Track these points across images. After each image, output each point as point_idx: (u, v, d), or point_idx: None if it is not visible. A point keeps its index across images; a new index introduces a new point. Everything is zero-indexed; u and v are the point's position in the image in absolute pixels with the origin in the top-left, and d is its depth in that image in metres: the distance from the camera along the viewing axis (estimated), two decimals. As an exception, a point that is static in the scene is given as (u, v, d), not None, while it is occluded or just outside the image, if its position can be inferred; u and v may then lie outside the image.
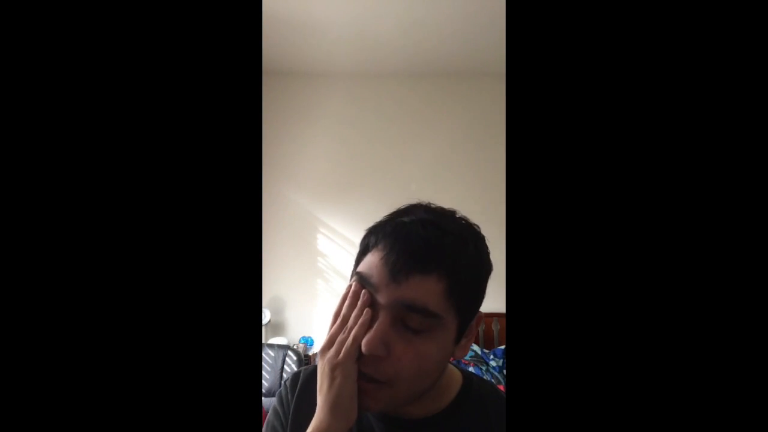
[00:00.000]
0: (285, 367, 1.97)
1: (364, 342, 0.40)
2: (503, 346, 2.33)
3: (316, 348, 2.50)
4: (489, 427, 0.47)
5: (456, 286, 0.41)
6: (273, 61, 2.57)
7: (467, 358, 2.23)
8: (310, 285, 2.69)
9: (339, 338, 0.41)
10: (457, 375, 0.51)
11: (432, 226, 0.42)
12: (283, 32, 2.30)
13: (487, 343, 2.48)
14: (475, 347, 2.28)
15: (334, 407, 0.40)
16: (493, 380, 2.15)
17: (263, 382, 1.94)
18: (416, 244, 0.40)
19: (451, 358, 0.46)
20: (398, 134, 2.75)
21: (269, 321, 2.51)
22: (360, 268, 0.43)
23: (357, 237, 0.46)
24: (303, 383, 0.53)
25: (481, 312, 0.46)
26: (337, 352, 0.41)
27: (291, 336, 2.64)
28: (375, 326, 0.40)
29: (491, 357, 2.25)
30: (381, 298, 0.40)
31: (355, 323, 0.41)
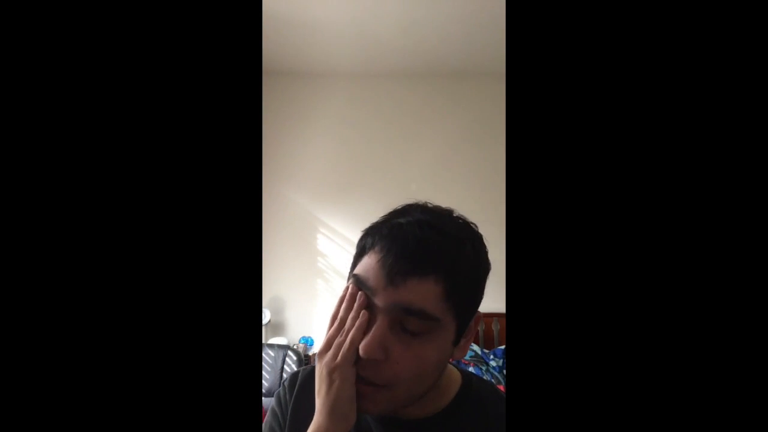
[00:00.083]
0: (285, 367, 1.98)
1: (362, 346, 0.39)
2: (503, 346, 2.33)
3: (316, 348, 2.50)
4: (488, 427, 0.47)
5: (454, 288, 0.40)
6: (273, 61, 2.57)
7: (467, 358, 2.23)
8: (310, 285, 2.70)
9: (336, 341, 0.41)
10: (456, 375, 0.51)
11: (429, 228, 0.41)
12: (283, 32, 2.30)
13: (487, 343, 2.48)
14: (475, 347, 2.28)
15: (332, 411, 0.40)
16: (493, 380, 2.15)
17: (263, 382, 1.94)
18: (413, 247, 0.40)
19: (451, 359, 0.46)
20: (398, 134, 2.75)
21: (269, 321, 2.51)
22: (357, 270, 0.43)
23: (357, 237, 0.46)
24: (301, 384, 0.53)
25: (479, 312, 0.46)
26: (335, 356, 0.41)
27: (291, 336, 2.64)
28: (373, 330, 0.40)
29: (491, 357, 2.25)
30: (378, 301, 0.40)
31: (352, 326, 0.41)
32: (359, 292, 0.42)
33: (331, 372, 0.40)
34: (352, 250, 0.46)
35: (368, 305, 0.41)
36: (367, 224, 0.46)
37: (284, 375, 1.95)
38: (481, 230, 0.46)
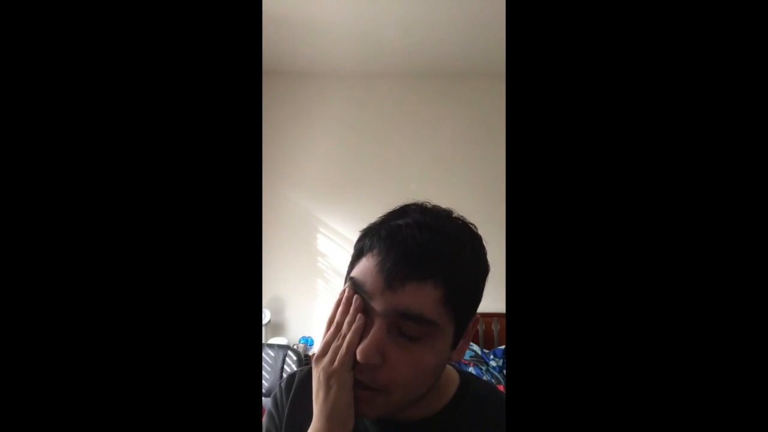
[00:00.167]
0: (285, 367, 1.97)
1: (359, 351, 0.39)
2: (503, 346, 2.33)
3: (316, 348, 2.50)
4: (486, 428, 0.46)
5: (453, 292, 0.40)
6: (273, 61, 2.57)
7: (467, 358, 2.23)
8: (310, 285, 2.70)
9: (333, 346, 0.41)
10: (455, 376, 0.51)
11: (428, 230, 0.41)
12: (283, 32, 2.30)
13: (487, 343, 2.48)
14: (475, 347, 2.28)
15: (330, 417, 0.40)
16: (493, 380, 2.15)
17: (263, 382, 1.94)
18: (412, 250, 0.39)
19: (449, 361, 0.46)
20: (398, 134, 2.75)
21: (269, 321, 2.51)
22: (354, 273, 0.42)
23: (357, 237, 0.46)
24: (297, 386, 0.53)
25: (478, 314, 0.45)
26: (332, 361, 0.40)
27: (291, 336, 2.64)
28: (370, 334, 0.39)
29: (491, 357, 2.25)
30: (376, 305, 0.40)
31: (348, 330, 0.40)
32: (356, 296, 0.41)
33: (328, 377, 0.40)
34: (352, 250, 0.45)
35: (365, 309, 0.41)
36: (366, 224, 0.45)
37: (284, 375, 1.95)
38: (481, 230, 0.45)
